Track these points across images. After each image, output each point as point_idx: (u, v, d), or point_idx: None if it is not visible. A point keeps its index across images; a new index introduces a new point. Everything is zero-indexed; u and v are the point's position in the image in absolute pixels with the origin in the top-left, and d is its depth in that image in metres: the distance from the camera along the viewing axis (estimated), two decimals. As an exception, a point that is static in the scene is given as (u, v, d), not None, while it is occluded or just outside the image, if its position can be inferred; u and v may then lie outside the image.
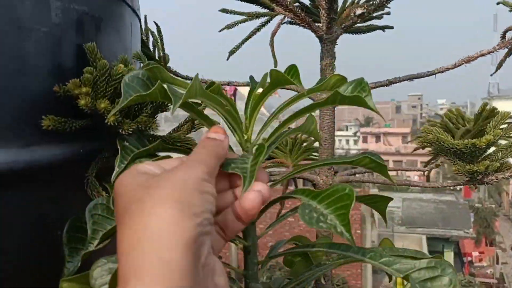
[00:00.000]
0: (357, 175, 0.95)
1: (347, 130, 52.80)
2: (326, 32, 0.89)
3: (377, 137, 48.75)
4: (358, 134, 49.04)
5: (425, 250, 18.46)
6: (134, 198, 0.36)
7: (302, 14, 0.86)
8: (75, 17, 0.63)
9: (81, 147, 0.62)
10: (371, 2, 0.89)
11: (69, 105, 0.59)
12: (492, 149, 0.85)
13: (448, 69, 0.87)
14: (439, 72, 0.90)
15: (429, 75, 0.89)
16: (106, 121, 0.55)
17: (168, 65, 1.00)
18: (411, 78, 0.91)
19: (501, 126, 0.82)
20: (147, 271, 0.32)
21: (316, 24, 0.93)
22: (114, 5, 0.73)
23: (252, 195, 0.43)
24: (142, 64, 0.73)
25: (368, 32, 1.11)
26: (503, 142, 0.84)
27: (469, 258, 23.10)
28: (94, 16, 0.66)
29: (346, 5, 1.05)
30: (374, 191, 16.20)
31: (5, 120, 0.56)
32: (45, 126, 0.57)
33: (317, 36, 0.93)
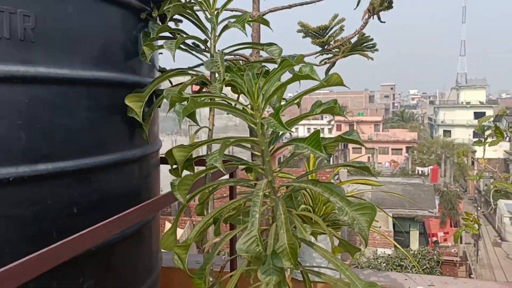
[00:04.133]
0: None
1: (322, 119, 53.63)
2: None
3: (351, 125, 49.67)
4: (332, 122, 50.03)
5: (390, 227, 19.29)
6: None
7: None
8: None
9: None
10: None
11: None
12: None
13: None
14: None
15: None
16: None
17: None
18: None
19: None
20: None
21: None
22: None
23: None
24: None
25: None
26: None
27: (435, 238, 24.19)
28: None
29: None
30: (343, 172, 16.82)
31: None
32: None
33: None
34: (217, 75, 1.35)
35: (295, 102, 1.24)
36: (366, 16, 1.65)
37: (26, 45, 1.01)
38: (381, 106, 64.40)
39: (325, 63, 2.05)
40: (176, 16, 1.46)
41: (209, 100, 1.25)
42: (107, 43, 1.24)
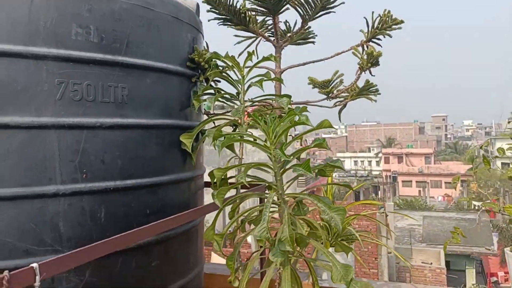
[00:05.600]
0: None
1: (369, 151, 52.89)
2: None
3: (400, 157, 48.55)
4: (380, 155, 49.25)
5: (443, 264, 18.51)
6: None
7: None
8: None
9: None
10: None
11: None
12: None
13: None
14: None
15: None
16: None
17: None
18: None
19: None
20: None
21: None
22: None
23: None
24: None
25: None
26: None
27: (494, 278, 22.75)
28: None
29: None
30: (390, 204, 16.63)
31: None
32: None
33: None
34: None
35: (297, 139, 1.77)
36: (359, 72, 2.17)
37: (122, 106, 1.63)
38: (432, 137, 62.51)
39: (336, 105, 2.57)
40: (216, 78, 2.06)
41: (239, 137, 1.81)
42: (169, 100, 1.86)
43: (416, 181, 43.24)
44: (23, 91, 1.44)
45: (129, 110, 1.66)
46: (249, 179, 1.81)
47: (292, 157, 1.67)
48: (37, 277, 1.10)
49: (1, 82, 1.41)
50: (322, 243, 1.68)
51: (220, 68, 2.01)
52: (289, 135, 1.91)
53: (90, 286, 1.53)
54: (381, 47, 2.43)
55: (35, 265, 1.11)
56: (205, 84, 2.02)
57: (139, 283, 1.68)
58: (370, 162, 49.18)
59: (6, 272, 1.03)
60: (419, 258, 18.49)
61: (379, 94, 2.63)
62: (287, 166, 1.79)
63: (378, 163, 48.47)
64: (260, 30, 2.32)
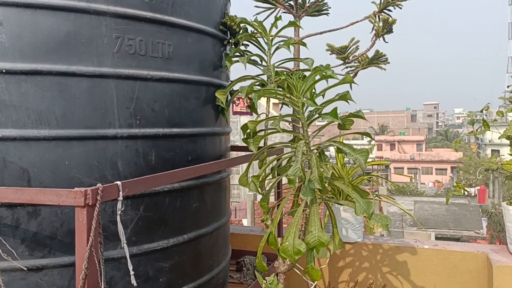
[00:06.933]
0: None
1: (362, 139, 53.42)
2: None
3: (392, 145, 49.10)
4: (372, 142, 49.78)
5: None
6: None
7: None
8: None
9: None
10: None
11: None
12: None
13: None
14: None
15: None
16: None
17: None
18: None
19: None
20: None
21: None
22: None
23: None
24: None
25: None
26: None
27: (483, 261, 23.30)
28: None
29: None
30: (382, 188, 16.98)
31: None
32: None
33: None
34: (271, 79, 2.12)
35: (321, 94, 1.97)
36: (374, 39, 2.37)
37: (168, 61, 1.82)
38: (424, 125, 63.18)
39: (348, 73, 2.77)
40: (245, 42, 2.25)
41: (271, 91, 2.01)
42: (205, 60, 2.05)
43: (408, 168, 43.87)
44: (86, 44, 1.62)
45: (174, 66, 1.85)
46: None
47: (319, 106, 1.88)
48: (120, 193, 1.31)
49: (68, 34, 1.59)
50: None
51: (249, 32, 2.20)
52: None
53: (143, 219, 1.74)
54: (391, 17, 2.64)
55: (119, 182, 1.32)
56: (235, 47, 2.21)
57: (182, 220, 1.89)
58: (362, 149, 49.73)
59: (99, 184, 1.23)
60: (411, 240, 18.92)
61: (388, 63, 2.84)
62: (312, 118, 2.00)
63: (370, 150, 48.93)
64: (281, 0, 2.51)
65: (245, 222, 13.97)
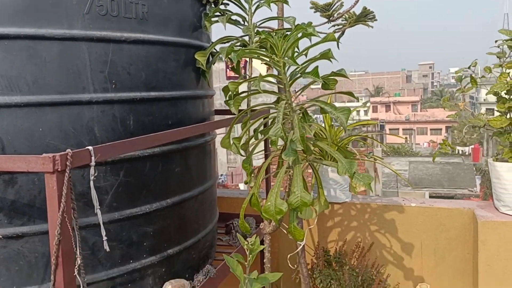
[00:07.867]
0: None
1: (357, 100, 53.25)
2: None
3: (387, 106, 49.05)
4: (368, 104, 49.68)
5: (427, 203, 19.38)
6: None
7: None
8: None
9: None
10: None
11: None
12: None
13: None
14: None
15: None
16: None
17: None
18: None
19: None
20: None
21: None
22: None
23: None
24: None
25: None
26: None
27: (476, 217, 23.84)
28: None
29: None
30: (378, 150, 17.10)
31: None
32: None
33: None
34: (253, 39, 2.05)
35: (303, 53, 1.92)
36: (359, -6, 2.28)
37: (143, 22, 1.75)
38: (419, 86, 62.87)
39: (335, 32, 2.70)
40: (225, 1, 2.17)
41: (251, 51, 1.96)
42: (183, 21, 1.97)
43: (403, 129, 44.06)
44: (54, 5, 1.54)
45: (149, 27, 1.78)
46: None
47: (300, 65, 1.83)
48: (92, 158, 1.28)
49: (33, -4, 1.51)
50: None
51: (228, -10, 2.11)
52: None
53: (124, 185, 1.72)
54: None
55: (90, 148, 1.29)
56: (214, 7, 2.12)
57: (165, 185, 1.88)
58: (358, 111, 49.70)
59: (68, 150, 1.21)
60: (405, 200, 19.28)
61: (376, 20, 2.76)
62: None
63: (366, 112, 48.91)
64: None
65: (241, 186, 14.13)
